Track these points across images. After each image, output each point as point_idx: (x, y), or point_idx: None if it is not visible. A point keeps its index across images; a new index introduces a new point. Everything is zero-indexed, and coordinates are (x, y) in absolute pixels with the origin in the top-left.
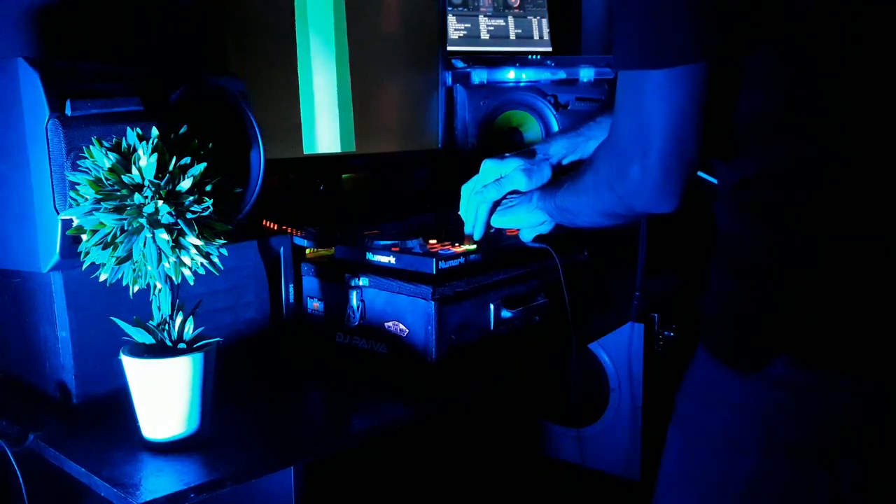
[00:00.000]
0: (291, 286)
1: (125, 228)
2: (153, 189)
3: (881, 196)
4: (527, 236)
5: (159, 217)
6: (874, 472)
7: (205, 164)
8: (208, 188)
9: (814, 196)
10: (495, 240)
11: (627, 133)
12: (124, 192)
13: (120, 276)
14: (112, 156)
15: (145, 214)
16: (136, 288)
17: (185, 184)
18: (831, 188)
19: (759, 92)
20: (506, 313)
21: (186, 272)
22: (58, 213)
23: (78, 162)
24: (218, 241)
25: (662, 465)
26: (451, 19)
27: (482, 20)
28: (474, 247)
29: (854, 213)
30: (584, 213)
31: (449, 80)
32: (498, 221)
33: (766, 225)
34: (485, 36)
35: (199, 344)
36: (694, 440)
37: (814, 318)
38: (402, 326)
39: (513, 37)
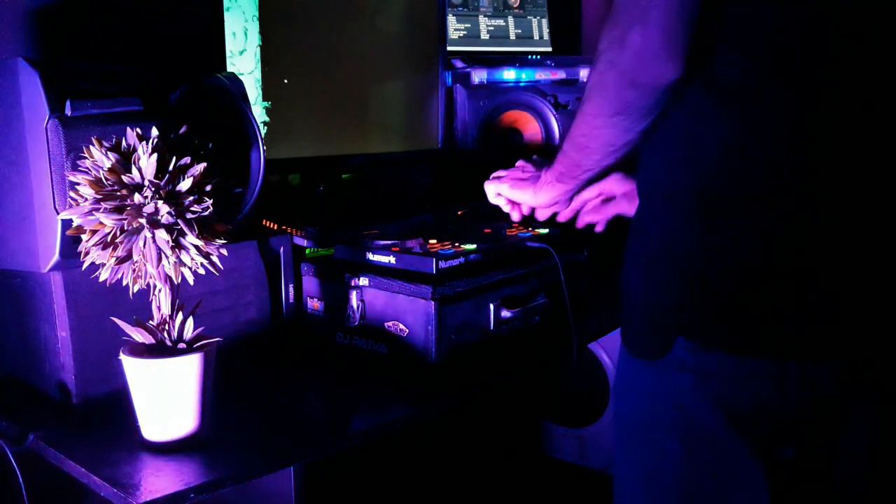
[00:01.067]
0: (291, 286)
1: (125, 228)
2: (153, 189)
3: (768, 181)
4: (542, 214)
5: (159, 217)
6: (813, 458)
7: (205, 164)
8: (208, 188)
9: (702, 182)
10: (495, 240)
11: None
12: (124, 192)
13: (120, 276)
14: (112, 156)
15: (145, 214)
16: (136, 288)
17: (185, 184)
18: (720, 174)
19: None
20: (506, 313)
21: (186, 272)
22: (58, 213)
23: (78, 162)
24: (218, 241)
25: (614, 460)
26: (451, 19)
27: (482, 20)
28: (474, 246)
29: (741, 200)
30: (592, 129)
31: (449, 80)
32: (510, 193)
33: (662, 214)
34: (485, 36)
35: (199, 344)
36: (628, 432)
37: (705, 301)
38: (402, 326)
39: (513, 37)
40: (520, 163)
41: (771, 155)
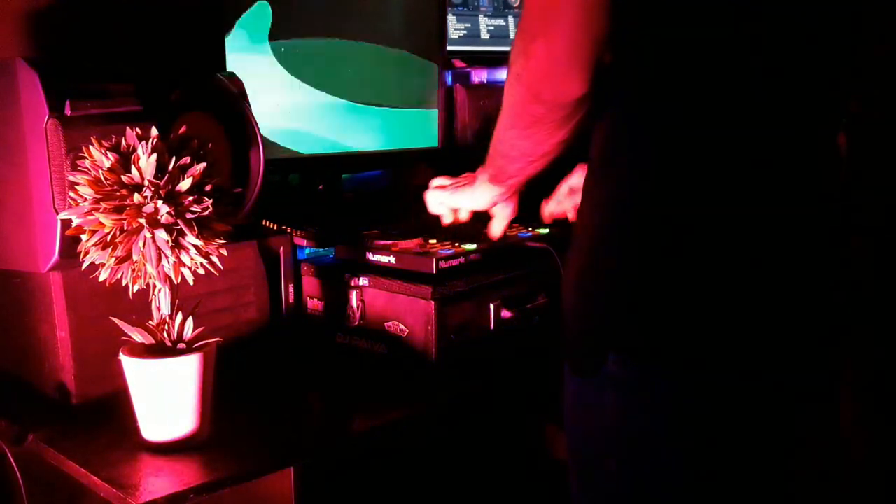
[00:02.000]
0: (291, 286)
1: (124, 228)
2: (152, 189)
3: (696, 191)
4: (497, 228)
5: (159, 217)
6: (762, 465)
7: (204, 164)
8: (208, 188)
9: (627, 192)
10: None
11: (535, 9)
12: (124, 192)
13: (119, 276)
14: (111, 155)
15: (144, 214)
16: (136, 288)
17: (185, 184)
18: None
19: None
20: (506, 313)
21: (186, 272)
22: (57, 213)
23: (77, 162)
24: (217, 241)
25: (569, 476)
26: (451, 19)
27: (482, 20)
28: (474, 247)
29: (669, 209)
30: (507, 139)
31: (449, 80)
32: (451, 199)
33: (591, 225)
34: (485, 36)
35: (198, 344)
36: (574, 447)
37: (635, 313)
38: (402, 326)
39: (513, 36)
40: (465, 175)
41: (701, 164)
